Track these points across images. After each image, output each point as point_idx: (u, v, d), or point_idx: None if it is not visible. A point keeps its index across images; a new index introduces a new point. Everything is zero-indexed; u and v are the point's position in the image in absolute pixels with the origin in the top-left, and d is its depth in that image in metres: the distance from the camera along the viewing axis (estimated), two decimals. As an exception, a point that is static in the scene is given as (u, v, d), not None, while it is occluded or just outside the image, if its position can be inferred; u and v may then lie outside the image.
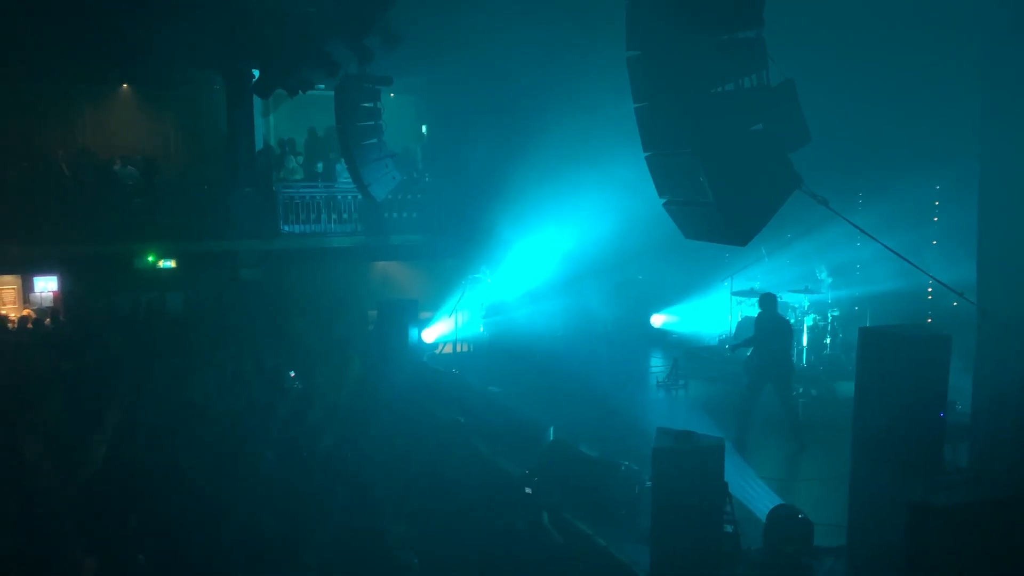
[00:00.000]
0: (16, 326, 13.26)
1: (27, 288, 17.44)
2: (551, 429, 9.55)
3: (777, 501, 7.44)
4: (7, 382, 8.82)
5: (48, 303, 16.94)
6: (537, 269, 15.07)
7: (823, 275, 12.56)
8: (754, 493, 7.97)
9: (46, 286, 17.37)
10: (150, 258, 16.59)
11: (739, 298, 14.07)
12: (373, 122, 13.23)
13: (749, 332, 10.64)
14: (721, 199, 5.99)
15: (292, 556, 5.65)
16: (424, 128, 20.56)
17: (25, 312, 14.71)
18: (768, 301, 9.98)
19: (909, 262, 7.28)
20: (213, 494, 6.35)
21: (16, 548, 5.19)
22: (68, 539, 5.37)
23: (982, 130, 7.05)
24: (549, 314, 14.63)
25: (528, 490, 7.70)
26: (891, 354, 6.76)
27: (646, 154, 6.76)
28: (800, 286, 12.54)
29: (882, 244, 7.23)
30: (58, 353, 11.01)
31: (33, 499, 5.97)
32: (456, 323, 15.06)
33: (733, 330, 13.80)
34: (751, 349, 10.05)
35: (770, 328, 9.84)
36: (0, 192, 15.69)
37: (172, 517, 6.04)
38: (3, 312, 14.72)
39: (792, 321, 12.23)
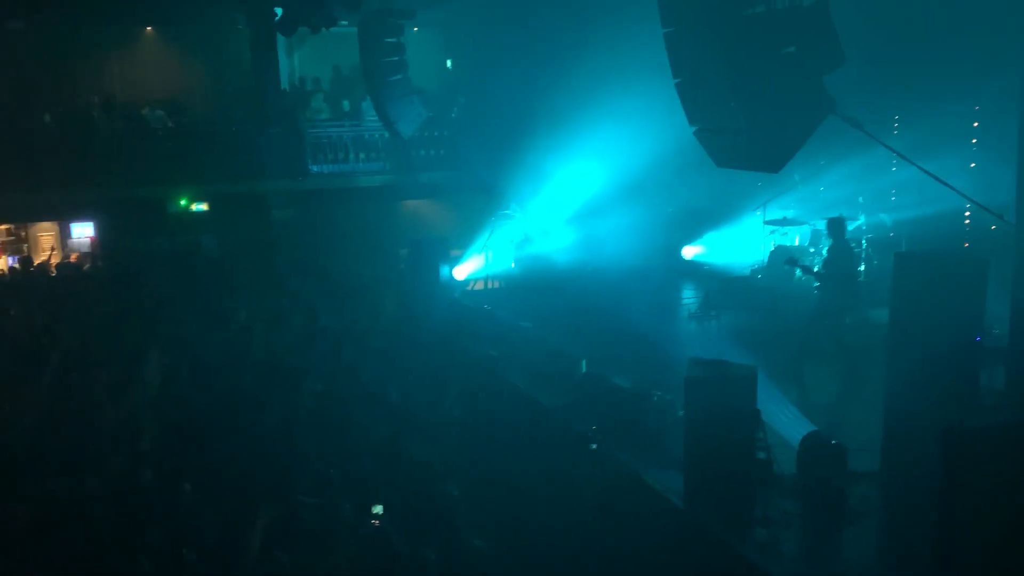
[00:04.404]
0: (56, 272, 13.53)
1: (64, 234, 17.77)
2: (583, 362, 9.64)
3: (810, 427, 7.49)
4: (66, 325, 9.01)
5: (86, 248, 17.27)
6: (566, 203, 14.98)
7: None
8: (787, 420, 8.02)
9: (83, 232, 17.68)
10: (183, 201, 16.75)
11: (772, 227, 13.90)
12: (398, 58, 13.08)
13: (782, 262, 10.51)
14: (753, 125, 5.91)
15: (334, 484, 5.83)
16: (449, 63, 20.30)
17: (72, 257, 15.01)
18: (836, 226, 10.02)
19: (946, 184, 7.16)
20: (258, 428, 6.56)
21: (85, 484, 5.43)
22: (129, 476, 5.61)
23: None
24: (579, 248, 14.59)
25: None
26: (927, 278, 6.71)
27: (676, 81, 6.67)
28: (835, 213, 12.35)
29: (918, 167, 7.12)
30: (101, 294, 11.27)
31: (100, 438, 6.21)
32: (487, 260, 15.11)
33: (766, 260, 13.68)
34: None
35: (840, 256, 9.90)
36: (35, 140, 15.91)
37: (217, 451, 6.25)
38: (43, 258, 15.01)
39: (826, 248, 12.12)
